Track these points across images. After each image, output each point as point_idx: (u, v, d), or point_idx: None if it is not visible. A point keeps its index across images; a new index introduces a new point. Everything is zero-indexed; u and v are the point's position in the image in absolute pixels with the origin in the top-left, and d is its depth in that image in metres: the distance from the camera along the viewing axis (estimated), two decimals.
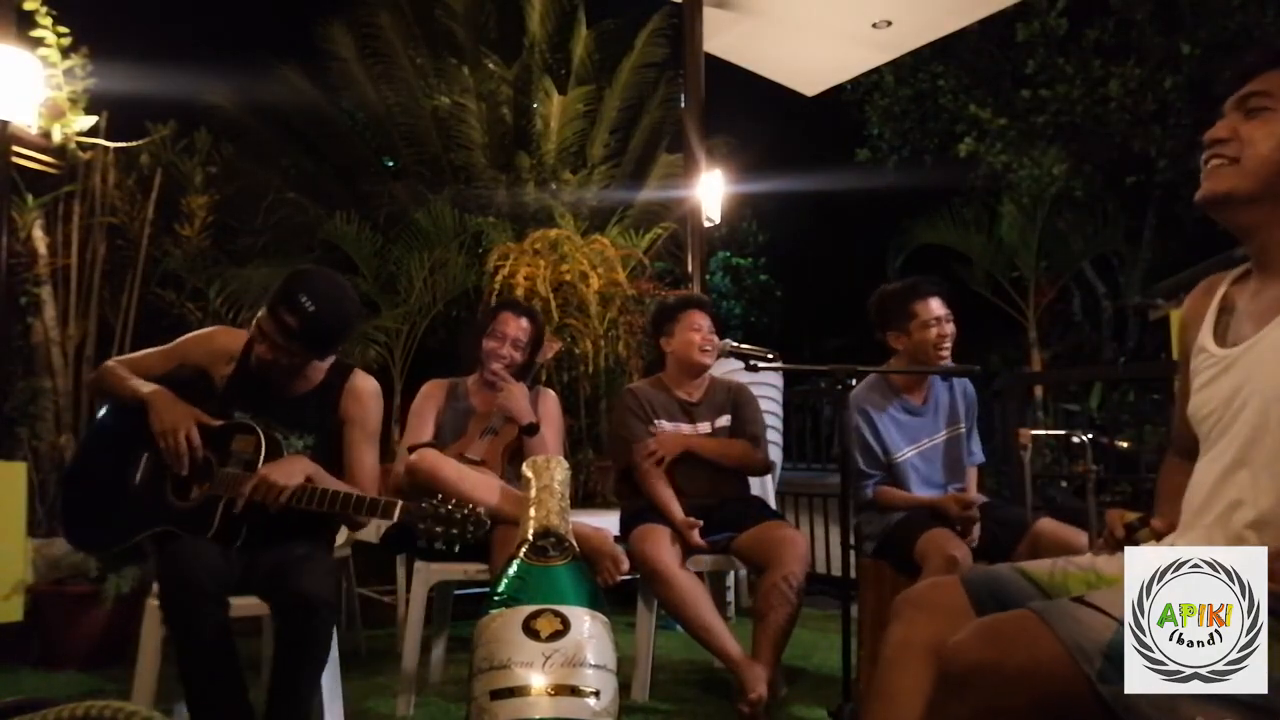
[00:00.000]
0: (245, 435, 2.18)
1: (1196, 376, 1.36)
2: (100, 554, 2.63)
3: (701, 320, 3.03)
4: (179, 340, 2.39)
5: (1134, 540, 1.37)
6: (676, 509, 2.79)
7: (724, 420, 3.04)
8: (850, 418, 2.74)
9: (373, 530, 3.42)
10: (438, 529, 2.09)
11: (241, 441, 2.17)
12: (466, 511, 2.11)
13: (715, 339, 3.01)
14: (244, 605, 2.07)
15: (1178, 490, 1.39)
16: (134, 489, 2.19)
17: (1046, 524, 2.62)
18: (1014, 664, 1.10)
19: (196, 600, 1.93)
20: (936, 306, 2.77)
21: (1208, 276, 1.45)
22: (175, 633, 1.96)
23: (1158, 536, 1.37)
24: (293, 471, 2.11)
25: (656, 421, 2.98)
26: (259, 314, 2.23)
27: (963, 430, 2.87)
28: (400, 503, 2.12)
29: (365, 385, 2.36)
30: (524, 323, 2.97)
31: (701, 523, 2.76)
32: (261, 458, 2.13)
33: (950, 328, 2.78)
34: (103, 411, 2.36)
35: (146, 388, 2.21)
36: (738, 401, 3.07)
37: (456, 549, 2.11)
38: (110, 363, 2.35)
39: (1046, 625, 1.11)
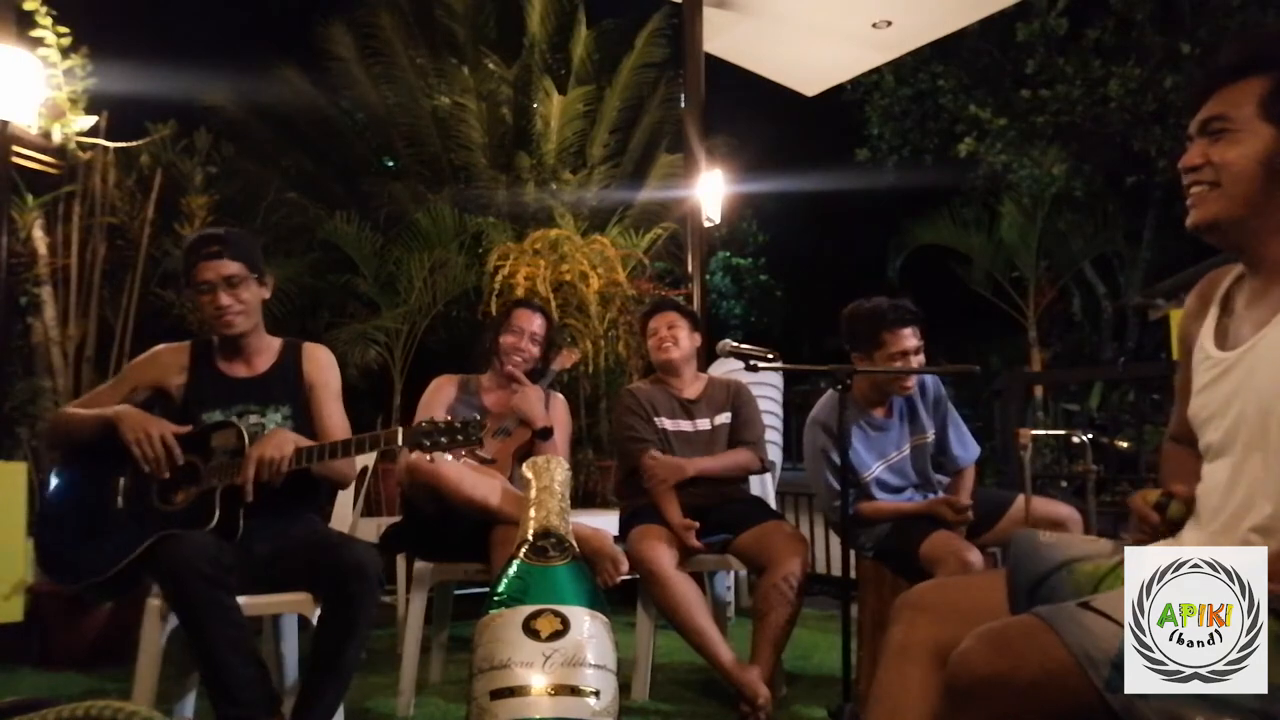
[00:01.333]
0: (223, 431, 2.19)
1: (1197, 378, 1.37)
2: (93, 583, 2.25)
3: (657, 323, 3.06)
4: (125, 369, 2.40)
5: (1170, 519, 1.34)
6: (675, 511, 2.78)
7: (723, 418, 3.04)
8: (815, 438, 2.74)
9: (372, 530, 3.43)
10: (443, 440, 2.16)
11: (221, 437, 2.18)
12: (464, 419, 2.19)
13: (681, 335, 3.03)
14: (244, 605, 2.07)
15: (1185, 470, 1.39)
16: (117, 512, 2.16)
17: (1035, 502, 2.67)
18: (1025, 676, 1.09)
19: (194, 583, 1.92)
20: (908, 338, 2.65)
21: (1208, 273, 1.46)
22: (182, 617, 1.95)
23: (1188, 504, 1.34)
24: (282, 442, 2.14)
25: (657, 419, 2.98)
26: (191, 297, 2.30)
27: (929, 439, 2.80)
28: (400, 429, 2.17)
29: (321, 351, 2.45)
30: (539, 319, 3.04)
31: (698, 524, 2.74)
32: (246, 443, 2.15)
33: (919, 360, 2.67)
34: (59, 458, 2.29)
35: (111, 409, 2.20)
36: (737, 401, 3.07)
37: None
38: (62, 410, 2.34)
39: (1054, 633, 1.10)
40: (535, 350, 2.99)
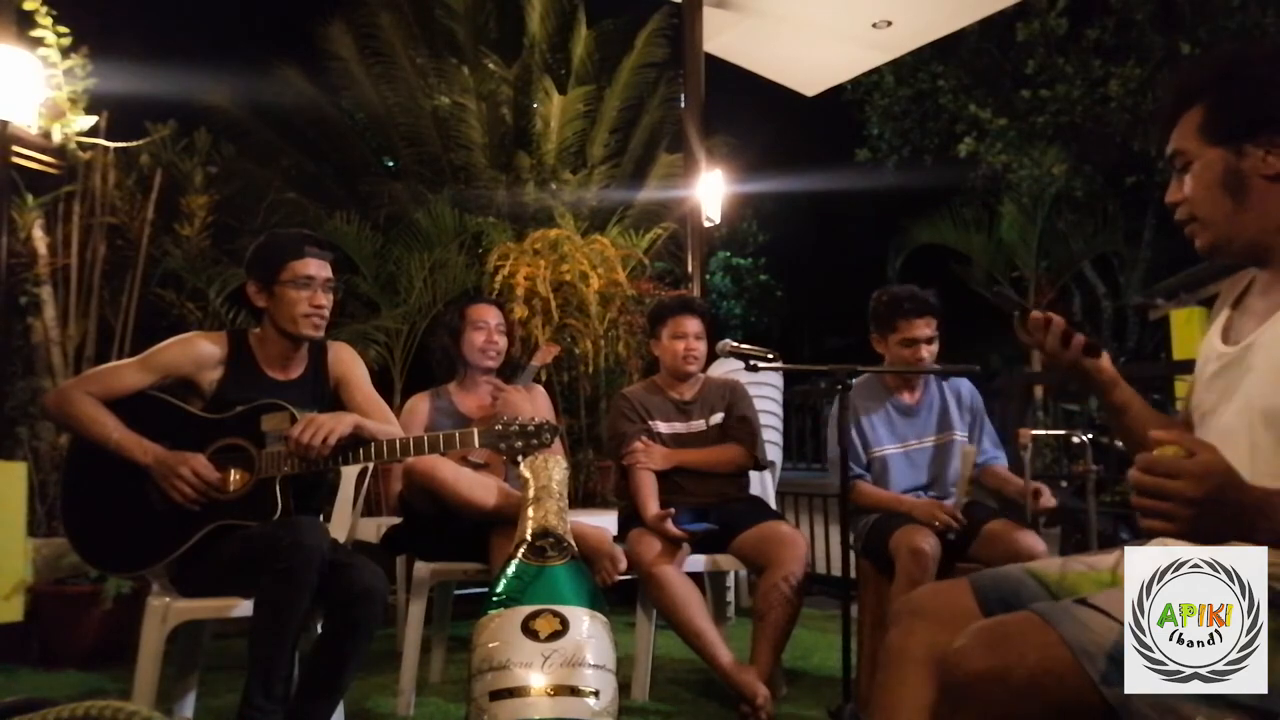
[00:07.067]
0: (274, 415, 2.14)
1: (1201, 371, 1.38)
2: (147, 570, 2.21)
3: (689, 326, 2.96)
4: (156, 350, 2.23)
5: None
6: (652, 505, 2.75)
7: (719, 418, 3.02)
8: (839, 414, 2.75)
9: (373, 530, 3.43)
10: (519, 444, 2.18)
11: (272, 421, 2.14)
12: (538, 422, 2.20)
13: (703, 345, 2.98)
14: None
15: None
16: (159, 496, 2.10)
17: (996, 525, 2.60)
18: (1021, 671, 1.09)
19: (311, 572, 1.92)
20: (921, 328, 2.71)
21: (1206, 276, 1.49)
22: (273, 601, 1.93)
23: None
24: (339, 418, 2.13)
25: (652, 423, 2.97)
26: (274, 296, 2.23)
27: (957, 437, 2.80)
28: (477, 430, 2.20)
29: (344, 348, 2.44)
30: (494, 310, 3.03)
31: (673, 510, 2.70)
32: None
33: (929, 350, 2.73)
34: (75, 439, 2.20)
35: (141, 450, 2.10)
36: (732, 398, 3.05)
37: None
38: (77, 391, 2.14)
39: (1051, 628, 1.10)
40: (504, 341, 2.98)
